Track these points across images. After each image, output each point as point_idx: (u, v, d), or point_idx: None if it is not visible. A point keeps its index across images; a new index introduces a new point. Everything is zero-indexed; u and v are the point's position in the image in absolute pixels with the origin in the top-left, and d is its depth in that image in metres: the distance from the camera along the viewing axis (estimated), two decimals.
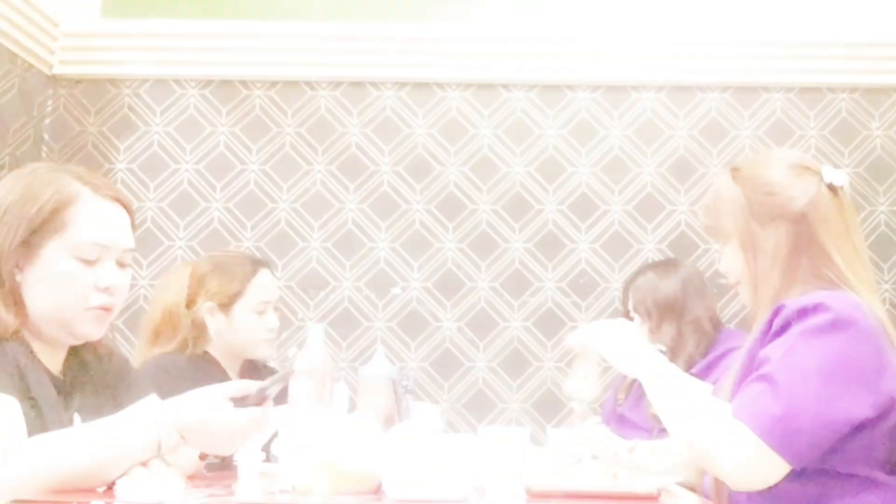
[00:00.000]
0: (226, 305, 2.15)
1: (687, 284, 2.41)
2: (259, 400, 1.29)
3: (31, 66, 2.84)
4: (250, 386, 1.30)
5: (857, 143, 2.93)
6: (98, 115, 2.98)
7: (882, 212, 2.89)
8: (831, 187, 1.50)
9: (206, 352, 2.17)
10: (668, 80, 2.96)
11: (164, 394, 1.73)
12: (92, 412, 1.39)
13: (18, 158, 2.75)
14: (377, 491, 1.23)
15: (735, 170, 1.54)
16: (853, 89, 2.96)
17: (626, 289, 2.51)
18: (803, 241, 1.46)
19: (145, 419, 1.24)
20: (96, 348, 1.49)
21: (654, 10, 3.01)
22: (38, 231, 1.32)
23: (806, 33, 2.95)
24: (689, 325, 2.33)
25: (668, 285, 2.39)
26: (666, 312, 2.35)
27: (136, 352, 2.21)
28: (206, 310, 2.14)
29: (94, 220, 1.36)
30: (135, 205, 2.95)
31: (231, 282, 2.16)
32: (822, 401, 1.28)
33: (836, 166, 2.90)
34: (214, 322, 2.15)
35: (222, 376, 2.14)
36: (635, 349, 1.47)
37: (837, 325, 1.34)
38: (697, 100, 2.96)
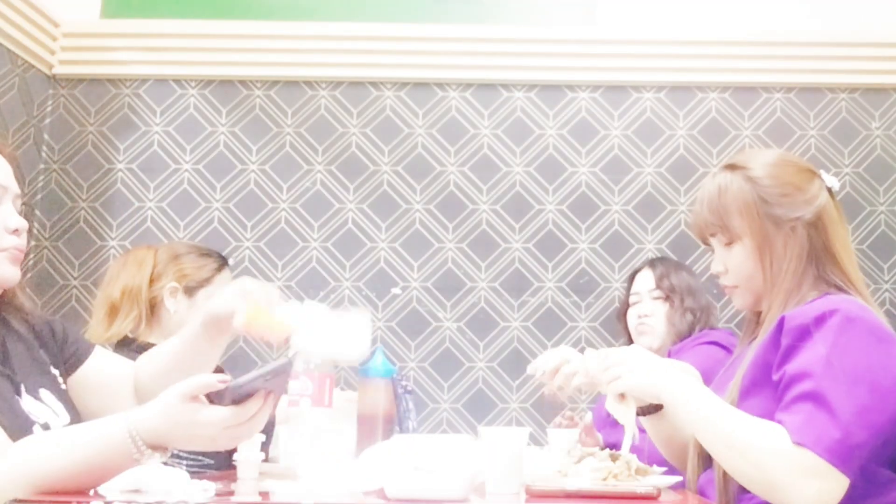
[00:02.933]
0: (192, 289, 2.22)
1: (696, 275, 2.55)
2: (237, 397, 1.17)
3: (31, 66, 2.84)
4: (209, 380, 1.17)
5: (857, 143, 2.93)
6: (98, 115, 2.98)
7: (882, 212, 2.89)
8: (830, 191, 1.51)
9: (153, 344, 2.20)
10: (668, 80, 2.96)
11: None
12: (35, 380, 1.37)
13: (18, 158, 2.74)
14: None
15: (740, 167, 1.51)
16: (853, 89, 2.96)
17: (633, 276, 2.54)
18: (816, 244, 1.46)
19: (117, 437, 1.17)
20: (20, 310, 1.46)
21: (654, 10, 3.01)
22: None
23: (806, 33, 2.95)
24: (703, 311, 2.40)
25: (687, 274, 2.50)
26: (687, 292, 2.42)
27: (91, 329, 2.23)
28: (168, 290, 2.21)
29: None
30: (134, 205, 2.98)
31: (203, 268, 2.25)
32: (871, 411, 1.28)
33: (836, 166, 2.93)
34: (175, 303, 2.21)
35: None
36: (661, 373, 1.40)
37: (860, 328, 1.34)
38: (697, 100, 2.96)
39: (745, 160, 1.53)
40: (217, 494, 1.22)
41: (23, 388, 1.33)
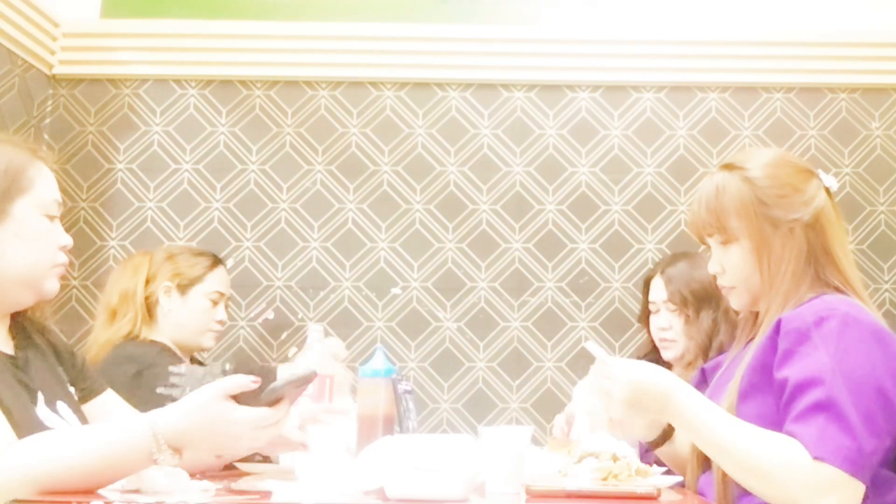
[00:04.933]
0: (184, 287, 2.31)
1: None
2: (270, 401, 1.22)
3: (31, 66, 2.84)
4: (244, 381, 1.22)
5: (857, 143, 2.93)
6: (98, 115, 2.98)
7: (882, 212, 2.89)
8: (828, 191, 1.51)
9: (160, 342, 2.29)
10: (668, 80, 2.96)
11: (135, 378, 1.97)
12: (53, 392, 1.38)
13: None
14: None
15: (737, 168, 1.50)
16: (853, 89, 2.95)
17: (648, 281, 2.47)
18: (815, 246, 1.45)
19: (139, 435, 1.19)
20: (42, 325, 1.50)
21: (654, 11, 3.01)
22: (7, 191, 1.36)
23: (806, 33, 2.95)
24: (724, 314, 2.32)
25: (704, 273, 2.36)
26: (703, 300, 2.31)
27: (94, 332, 2.34)
28: (162, 289, 2.31)
29: (49, 180, 1.43)
30: (134, 205, 2.98)
31: (193, 266, 2.34)
32: (878, 416, 1.28)
33: (836, 166, 2.93)
34: (169, 302, 2.30)
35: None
36: (657, 396, 1.37)
37: (860, 331, 1.33)
38: (697, 100, 2.96)
39: (743, 160, 1.52)
40: (217, 494, 1.22)
41: (40, 398, 1.35)
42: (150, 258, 2.37)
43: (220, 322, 2.37)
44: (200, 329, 2.32)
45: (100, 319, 2.33)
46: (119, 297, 2.30)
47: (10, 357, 1.37)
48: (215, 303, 2.35)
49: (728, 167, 1.52)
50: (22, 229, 1.36)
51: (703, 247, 1.60)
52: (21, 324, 1.45)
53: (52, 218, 1.41)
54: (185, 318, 2.31)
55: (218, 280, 2.38)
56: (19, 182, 1.37)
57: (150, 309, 2.30)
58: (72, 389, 1.47)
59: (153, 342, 2.26)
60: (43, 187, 1.40)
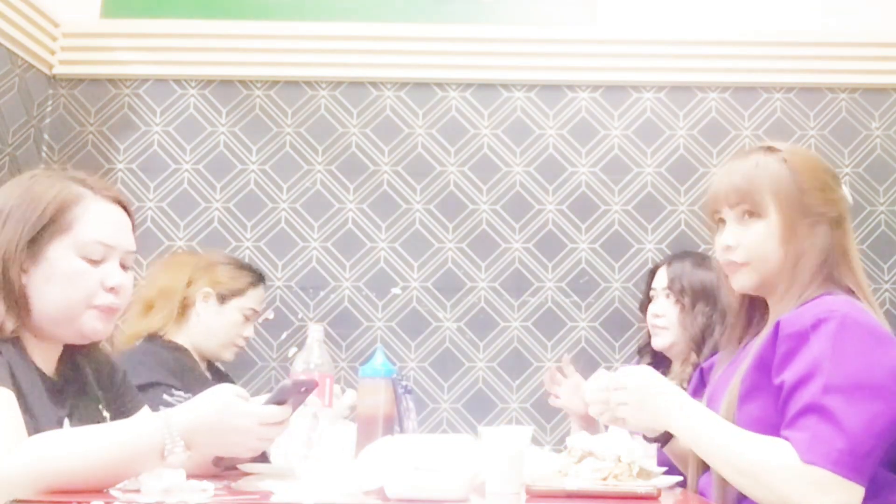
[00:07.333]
0: (224, 297, 2.31)
1: (720, 275, 2.43)
2: (276, 402, 1.27)
3: (31, 66, 2.84)
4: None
5: (857, 143, 2.93)
6: (98, 115, 2.98)
7: (882, 212, 2.89)
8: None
9: (181, 345, 2.28)
10: (668, 80, 2.96)
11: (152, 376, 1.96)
12: (83, 415, 1.39)
13: (18, 158, 2.75)
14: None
15: (777, 151, 1.50)
16: (853, 89, 2.95)
17: (654, 271, 2.48)
18: (835, 245, 1.46)
19: (149, 429, 1.22)
20: (91, 352, 1.50)
21: (654, 10, 3.01)
22: (42, 232, 1.34)
23: (806, 33, 2.95)
24: (720, 314, 2.33)
25: (706, 272, 2.38)
26: (701, 295, 2.33)
27: (125, 324, 2.31)
28: (202, 294, 2.29)
29: (98, 220, 1.38)
30: (134, 205, 2.96)
31: (238, 279, 2.35)
32: (877, 417, 1.27)
33: (836, 166, 2.93)
34: (206, 307, 2.30)
35: (201, 372, 2.29)
36: (661, 410, 1.41)
37: (858, 331, 1.33)
38: (697, 100, 2.96)
39: (783, 147, 1.51)
40: (217, 494, 1.22)
41: (66, 423, 1.36)
42: (195, 260, 2.37)
43: (245, 338, 2.38)
44: (226, 341, 2.33)
45: (134, 310, 2.29)
46: (158, 291, 2.29)
47: (49, 378, 1.38)
48: (247, 318, 2.36)
49: (768, 149, 1.51)
50: (53, 272, 1.33)
51: (703, 246, 1.60)
52: (71, 351, 1.45)
53: (92, 261, 1.36)
54: (215, 326, 2.30)
55: (257, 298, 2.39)
56: (57, 223, 1.34)
57: (183, 310, 2.29)
58: (106, 414, 1.48)
59: (177, 347, 2.25)
60: (84, 228, 1.36)
